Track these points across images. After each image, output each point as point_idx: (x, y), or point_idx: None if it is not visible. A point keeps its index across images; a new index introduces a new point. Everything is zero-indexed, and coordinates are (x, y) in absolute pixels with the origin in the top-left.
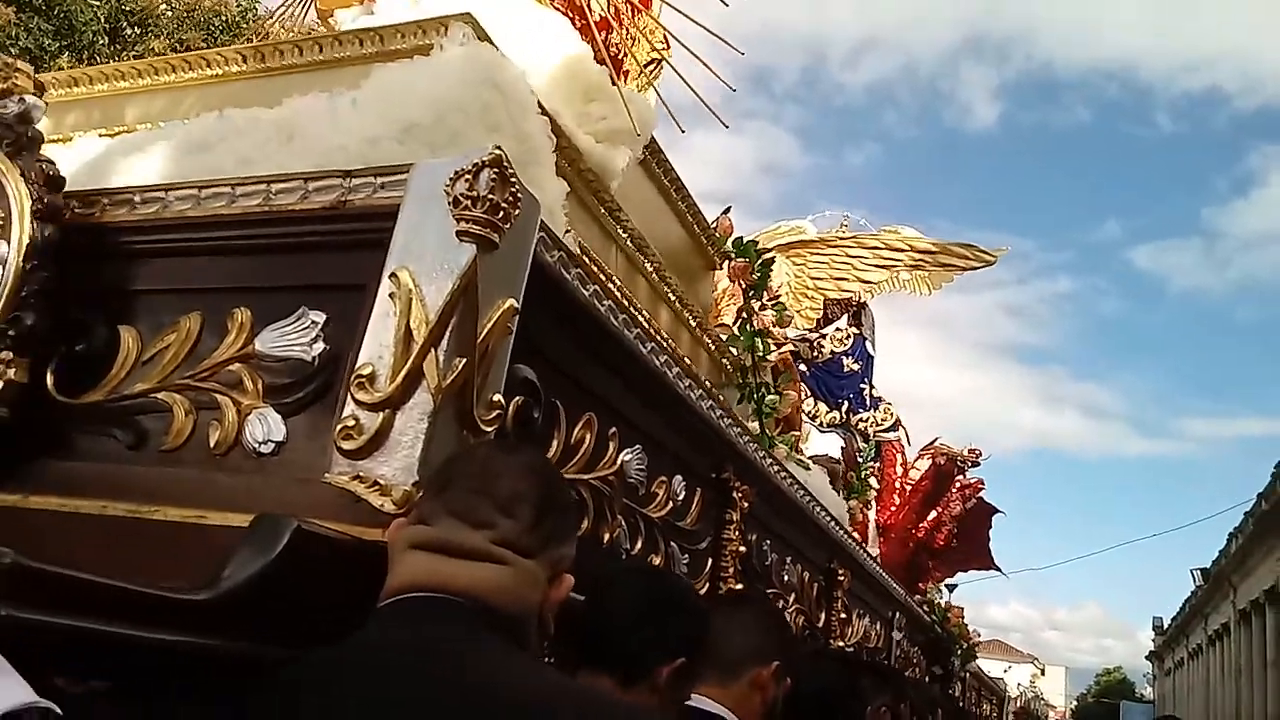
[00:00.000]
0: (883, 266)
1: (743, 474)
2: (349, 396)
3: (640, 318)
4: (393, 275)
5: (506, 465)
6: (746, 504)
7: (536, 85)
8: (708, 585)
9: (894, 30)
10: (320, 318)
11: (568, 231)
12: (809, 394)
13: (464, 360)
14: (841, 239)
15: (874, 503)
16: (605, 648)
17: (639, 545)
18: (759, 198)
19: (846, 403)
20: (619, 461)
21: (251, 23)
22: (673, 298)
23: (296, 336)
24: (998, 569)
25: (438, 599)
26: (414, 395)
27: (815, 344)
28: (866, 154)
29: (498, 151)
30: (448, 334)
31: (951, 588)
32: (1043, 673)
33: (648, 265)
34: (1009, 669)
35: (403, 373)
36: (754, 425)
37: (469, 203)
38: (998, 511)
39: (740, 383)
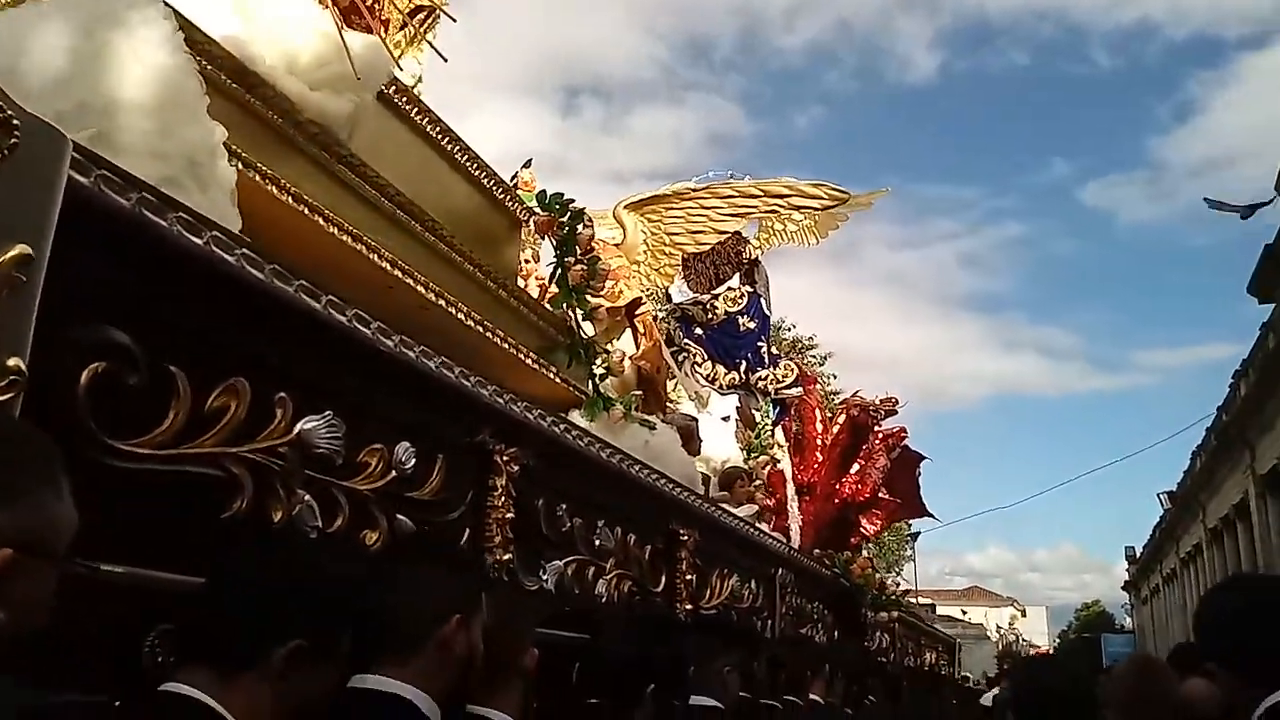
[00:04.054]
0: (737, 215)
1: (509, 436)
2: None
3: (395, 265)
4: None
5: None
6: (516, 468)
7: (232, 29)
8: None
9: None
10: None
11: (269, 180)
12: (706, 357)
13: None
14: (694, 190)
15: (787, 460)
16: (208, 634)
17: (340, 521)
18: (707, 172)
19: (744, 362)
20: (296, 430)
21: None
22: (459, 257)
23: None
24: (931, 515)
25: None
26: None
27: (708, 305)
28: (811, 116)
29: None
30: None
31: (915, 536)
32: (1023, 614)
33: (416, 225)
34: (986, 613)
35: None
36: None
37: None
38: (924, 458)
39: (567, 344)
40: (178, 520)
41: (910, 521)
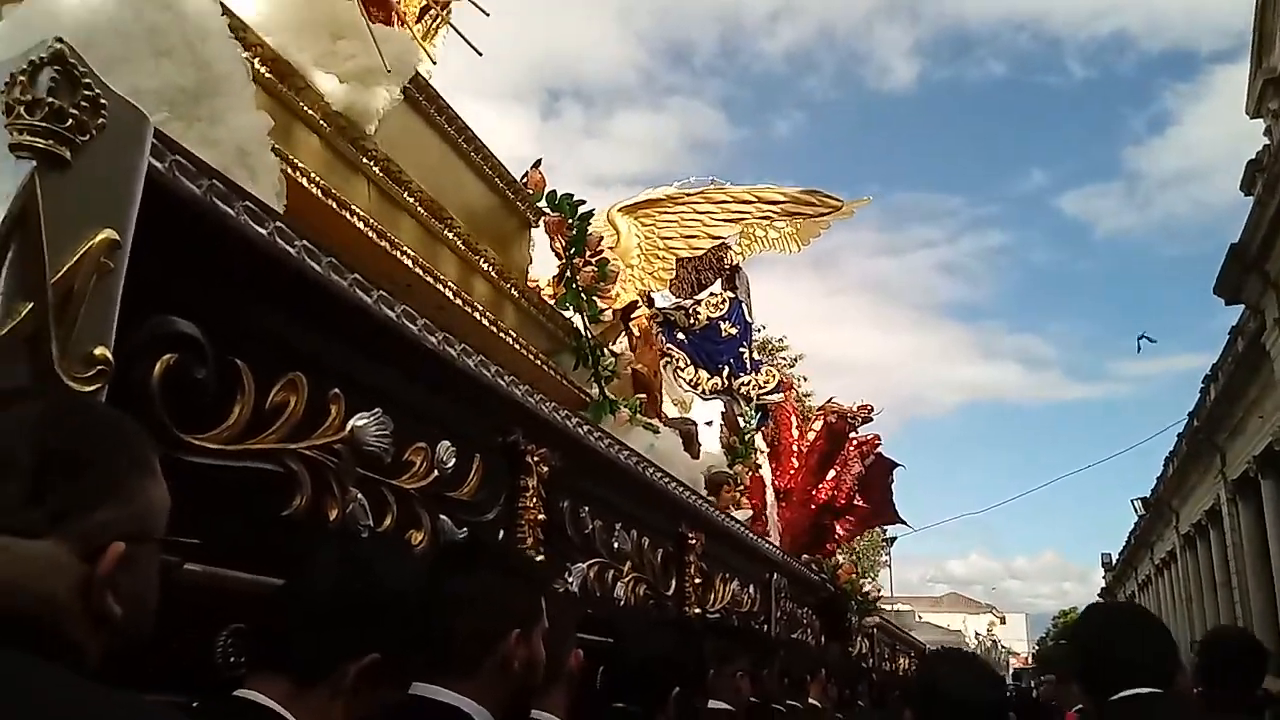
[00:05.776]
0: (731, 220)
1: (538, 437)
2: None
3: (416, 263)
4: None
5: None
6: (546, 469)
7: (265, 20)
8: None
9: None
10: None
11: (298, 170)
12: (689, 361)
13: (30, 305)
14: (688, 195)
15: (766, 466)
16: (282, 643)
17: (389, 521)
18: (688, 176)
19: (727, 368)
20: (348, 427)
21: None
22: (476, 256)
23: None
24: (903, 522)
25: None
26: None
27: (690, 310)
28: (792, 122)
29: (59, 46)
30: (4, 272)
31: (890, 541)
32: (1003, 621)
33: (435, 222)
34: (965, 620)
35: None
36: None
37: (23, 109)
38: (897, 465)
39: (573, 346)
40: (242, 517)
41: (885, 527)
